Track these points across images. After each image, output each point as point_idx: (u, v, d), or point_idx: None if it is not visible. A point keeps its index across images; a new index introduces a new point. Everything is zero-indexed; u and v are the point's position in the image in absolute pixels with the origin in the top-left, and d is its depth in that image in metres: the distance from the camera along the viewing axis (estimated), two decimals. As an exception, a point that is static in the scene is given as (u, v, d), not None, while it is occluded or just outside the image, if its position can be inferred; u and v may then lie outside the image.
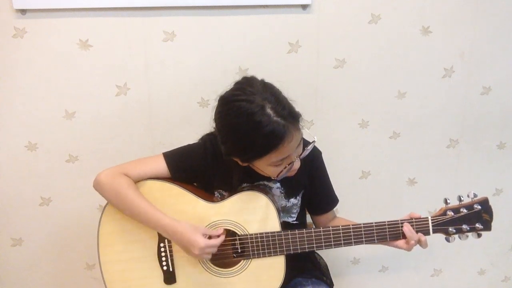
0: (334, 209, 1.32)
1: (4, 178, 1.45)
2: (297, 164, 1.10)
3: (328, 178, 1.29)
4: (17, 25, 1.32)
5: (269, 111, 1.00)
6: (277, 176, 1.09)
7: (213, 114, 1.09)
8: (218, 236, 1.12)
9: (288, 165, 1.07)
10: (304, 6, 1.41)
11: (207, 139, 1.22)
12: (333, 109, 1.53)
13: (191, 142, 1.23)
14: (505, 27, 1.51)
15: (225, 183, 1.20)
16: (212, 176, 1.20)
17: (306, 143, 1.24)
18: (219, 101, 1.07)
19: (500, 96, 1.59)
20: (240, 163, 1.11)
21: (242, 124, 1.00)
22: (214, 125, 1.11)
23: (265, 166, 1.07)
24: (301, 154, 1.10)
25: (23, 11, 1.32)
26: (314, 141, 1.10)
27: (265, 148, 1.01)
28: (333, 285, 1.33)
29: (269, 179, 1.20)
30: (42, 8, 1.31)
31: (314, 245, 1.14)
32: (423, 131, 1.59)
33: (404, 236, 1.13)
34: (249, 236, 1.14)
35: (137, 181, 1.15)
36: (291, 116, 1.03)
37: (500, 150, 1.66)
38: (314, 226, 1.32)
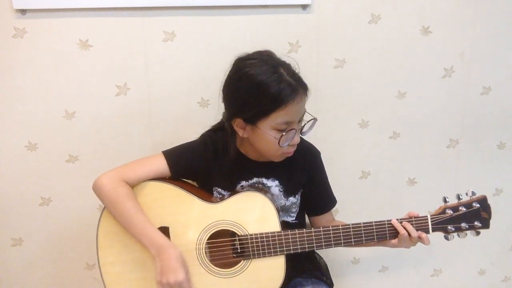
0: (334, 209, 1.32)
1: (4, 178, 1.45)
2: (297, 139, 1.11)
3: (327, 178, 1.29)
4: (17, 25, 1.32)
5: (282, 71, 1.05)
6: (279, 142, 1.07)
7: (223, 80, 1.11)
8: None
9: (289, 131, 1.07)
10: (304, 6, 1.41)
11: (207, 136, 1.22)
12: (333, 109, 1.53)
13: (190, 141, 1.24)
14: (505, 27, 1.51)
15: (224, 181, 1.21)
16: (212, 174, 1.21)
17: (305, 145, 1.25)
18: (234, 61, 1.11)
19: (500, 96, 1.59)
20: (241, 131, 1.11)
21: (253, 78, 1.04)
22: (216, 113, 1.15)
23: (268, 128, 1.07)
24: (301, 129, 1.12)
25: (23, 11, 1.32)
26: (315, 119, 1.12)
27: (274, 103, 1.03)
28: (333, 285, 1.33)
29: (267, 176, 1.20)
30: (42, 8, 1.31)
31: (314, 245, 1.15)
32: (423, 131, 1.59)
33: None
34: (249, 236, 1.14)
35: (138, 182, 1.16)
36: (301, 82, 1.07)
37: (500, 150, 1.66)
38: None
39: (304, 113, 1.11)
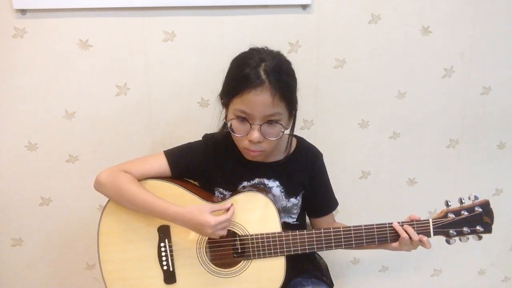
0: (334, 211, 1.32)
1: (4, 178, 1.45)
2: (254, 134, 1.06)
3: (329, 180, 1.29)
4: (17, 25, 1.32)
5: (262, 63, 1.05)
6: (226, 121, 1.11)
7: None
8: (227, 210, 1.12)
9: (243, 121, 1.07)
10: (304, 6, 1.41)
11: (209, 137, 1.23)
12: (333, 109, 1.53)
13: (192, 141, 1.24)
14: (505, 27, 1.51)
15: (226, 182, 1.21)
16: (213, 174, 1.21)
17: (307, 146, 1.24)
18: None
19: (500, 96, 1.59)
20: (225, 112, 1.15)
21: (236, 61, 1.11)
22: (216, 126, 1.15)
23: (231, 113, 1.09)
24: (265, 126, 1.07)
25: (23, 11, 1.31)
26: (283, 131, 1.11)
27: (235, 87, 1.06)
28: (333, 285, 1.33)
29: (268, 176, 1.20)
30: (42, 8, 1.31)
31: (315, 246, 1.15)
32: (423, 131, 1.59)
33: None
34: (249, 237, 1.14)
35: (138, 179, 1.16)
36: (276, 82, 1.04)
37: (500, 150, 1.66)
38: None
39: (275, 115, 1.06)
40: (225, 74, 1.13)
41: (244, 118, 1.07)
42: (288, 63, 1.12)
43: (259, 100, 1.04)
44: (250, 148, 1.11)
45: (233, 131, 1.10)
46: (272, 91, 1.04)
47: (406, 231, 1.12)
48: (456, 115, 1.59)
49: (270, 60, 1.07)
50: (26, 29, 1.33)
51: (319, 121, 1.53)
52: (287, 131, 1.16)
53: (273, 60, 1.07)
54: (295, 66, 1.45)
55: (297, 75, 1.50)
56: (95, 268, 1.58)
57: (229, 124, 1.10)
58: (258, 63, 1.05)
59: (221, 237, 1.15)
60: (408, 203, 1.66)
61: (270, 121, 1.07)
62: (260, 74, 1.04)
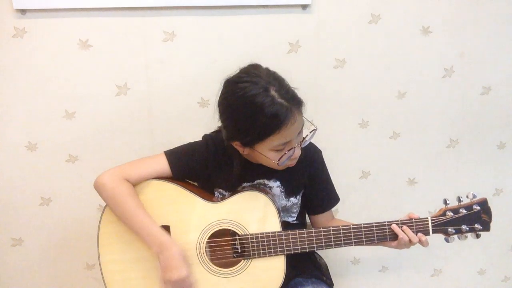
0: (334, 208, 1.32)
1: (4, 178, 1.45)
2: (297, 152, 1.09)
3: (329, 176, 1.29)
4: (17, 25, 1.32)
5: (273, 92, 1.01)
6: (278, 163, 1.08)
7: (217, 98, 1.10)
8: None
9: (289, 150, 1.07)
10: (304, 6, 1.41)
11: (209, 137, 1.23)
12: (333, 109, 1.53)
13: (192, 141, 1.24)
14: (505, 27, 1.51)
15: (226, 182, 1.21)
16: (213, 175, 1.21)
17: (307, 145, 1.24)
18: (224, 83, 1.09)
19: (500, 96, 1.59)
20: (241, 150, 1.11)
21: (246, 104, 1.01)
22: (217, 117, 1.12)
23: (266, 150, 1.07)
24: (302, 142, 1.10)
25: (23, 11, 1.32)
26: (315, 130, 1.10)
27: (267, 129, 1.02)
28: (333, 285, 1.33)
29: (269, 177, 1.20)
30: (42, 8, 1.31)
31: (315, 245, 1.15)
32: (423, 131, 1.59)
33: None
34: (249, 236, 1.14)
35: (139, 181, 1.16)
36: (294, 100, 1.04)
37: (500, 150, 1.66)
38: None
39: (303, 125, 1.09)
40: (228, 119, 1.08)
41: (284, 148, 1.07)
42: (270, 70, 1.09)
43: (296, 125, 1.04)
44: (292, 163, 1.13)
45: (280, 165, 1.08)
46: (298, 111, 1.05)
47: (405, 233, 1.12)
48: (456, 115, 1.59)
49: (271, 81, 1.04)
50: (26, 29, 1.33)
51: (319, 121, 1.53)
52: None
53: (272, 78, 1.05)
54: (295, 66, 1.46)
55: (297, 75, 1.51)
56: (95, 268, 1.58)
57: (267, 158, 1.08)
58: (270, 94, 1.01)
59: (221, 236, 1.15)
60: (408, 203, 1.66)
61: (299, 133, 1.09)
62: (284, 104, 1.01)
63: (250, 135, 1.05)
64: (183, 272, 1.07)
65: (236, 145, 1.11)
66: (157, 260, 1.15)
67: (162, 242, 1.09)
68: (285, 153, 1.07)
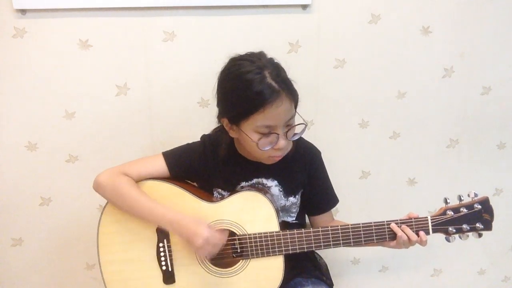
0: (334, 209, 1.32)
1: (4, 178, 1.45)
2: (282, 143, 1.07)
3: (328, 177, 1.29)
4: (17, 25, 1.32)
5: (265, 73, 1.03)
6: (258, 143, 1.05)
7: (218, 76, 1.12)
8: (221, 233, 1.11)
9: (271, 134, 1.05)
10: (304, 6, 1.41)
11: (207, 138, 1.23)
12: (333, 109, 1.53)
13: (190, 142, 1.24)
14: (505, 27, 1.51)
15: (224, 182, 1.21)
16: (211, 175, 1.21)
17: (305, 145, 1.25)
18: (228, 61, 1.11)
19: (500, 96, 1.58)
20: (229, 130, 1.11)
21: (237, 78, 1.04)
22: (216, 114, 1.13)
23: (250, 131, 1.06)
24: (288, 131, 1.08)
25: (23, 11, 1.32)
26: (304, 125, 1.10)
27: (252, 105, 1.02)
28: (333, 285, 1.33)
29: (266, 176, 1.20)
30: (42, 8, 1.31)
31: (313, 245, 1.14)
32: (423, 131, 1.59)
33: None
34: (248, 236, 1.14)
35: (136, 181, 1.16)
36: (287, 87, 1.05)
37: (500, 150, 1.66)
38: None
39: (293, 117, 1.08)
40: (221, 94, 1.09)
41: (268, 132, 1.06)
42: (275, 60, 1.11)
43: (281, 110, 1.03)
44: (277, 155, 1.11)
45: (260, 148, 1.07)
46: (289, 97, 1.05)
47: (404, 232, 1.12)
48: (456, 115, 1.59)
49: (268, 65, 1.05)
50: (26, 29, 1.33)
51: (319, 121, 1.53)
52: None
53: (270, 64, 1.06)
54: (295, 66, 1.46)
55: (297, 75, 1.51)
56: (95, 268, 1.58)
57: (249, 139, 1.07)
58: (262, 73, 1.02)
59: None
60: (408, 203, 1.66)
61: (288, 125, 1.08)
62: (273, 85, 1.02)
63: (235, 110, 1.06)
64: (204, 232, 1.06)
65: (225, 124, 1.11)
66: (157, 260, 1.15)
67: (172, 218, 1.09)
68: (265, 136, 1.05)
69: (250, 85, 1.02)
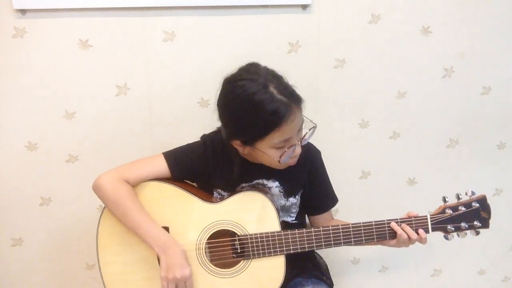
0: (334, 208, 1.32)
1: (4, 178, 1.45)
2: (298, 150, 1.09)
3: (328, 177, 1.29)
4: (17, 25, 1.32)
5: (272, 89, 1.01)
6: (279, 160, 1.07)
7: (217, 97, 1.10)
8: None
9: (290, 148, 1.06)
10: (304, 6, 1.41)
11: (207, 138, 1.23)
12: (333, 109, 1.53)
13: (191, 142, 1.23)
14: (505, 27, 1.51)
15: (225, 183, 1.21)
16: (212, 175, 1.21)
17: (305, 145, 1.24)
18: (223, 83, 1.08)
19: (500, 96, 1.59)
20: (241, 149, 1.11)
21: (246, 102, 1.01)
22: (216, 117, 1.12)
23: (267, 148, 1.06)
24: (302, 138, 1.10)
25: (23, 11, 1.32)
26: (314, 126, 1.10)
27: (268, 126, 1.02)
28: (333, 285, 1.33)
29: (267, 177, 1.20)
30: (42, 8, 1.31)
31: (314, 244, 1.15)
32: (423, 131, 1.59)
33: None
34: (248, 236, 1.14)
35: (138, 183, 1.16)
36: (293, 97, 1.04)
37: (500, 150, 1.66)
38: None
39: (303, 122, 1.09)
40: (228, 118, 1.07)
41: (285, 145, 1.06)
42: (268, 68, 1.09)
43: (295, 123, 1.04)
44: (293, 162, 1.13)
45: (281, 162, 1.08)
46: (298, 107, 1.05)
47: (404, 231, 1.12)
48: (456, 115, 1.59)
49: (269, 78, 1.04)
50: (26, 29, 1.33)
51: (319, 121, 1.52)
52: None
53: (271, 76, 1.05)
54: (295, 66, 1.46)
55: (297, 75, 1.51)
56: (95, 268, 1.58)
57: (268, 156, 1.07)
58: (269, 91, 1.01)
59: (221, 237, 1.15)
60: (408, 203, 1.66)
61: (299, 130, 1.09)
62: (283, 100, 1.01)
63: (250, 133, 1.05)
64: (187, 271, 1.07)
65: (236, 144, 1.11)
66: (157, 261, 1.15)
67: (164, 242, 1.09)
68: (285, 151, 1.07)
69: (261, 106, 1.00)
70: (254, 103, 1.01)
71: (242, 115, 1.04)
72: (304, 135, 1.11)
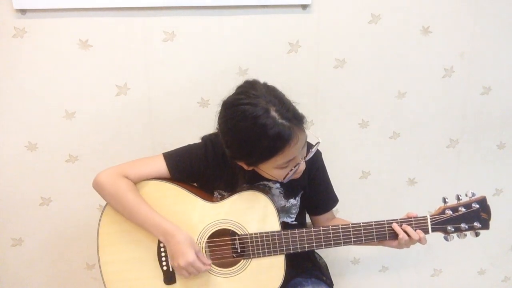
0: (334, 209, 1.32)
1: (4, 178, 1.45)
2: (302, 166, 1.10)
3: (328, 178, 1.29)
4: (17, 25, 1.32)
5: (273, 113, 1.00)
6: (284, 179, 1.09)
7: (217, 119, 1.09)
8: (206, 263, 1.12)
9: (294, 167, 1.07)
10: (304, 6, 1.41)
11: (208, 139, 1.22)
12: (333, 109, 1.53)
13: (191, 142, 1.23)
14: (505, 27, 1.51)
15: (226, 184, 1.21)
16: (212, 177, 1.20)
17: (309, 145, 1.24)
18: (222, 105, 1.07)
19: (500, 96, 1.59)
20: (245, 167, 1.11)
21: (247, 127, 1.00)
22: (216, 126, 1.11)
23: (271, 169, 1.07)
24: (306, 156, 1.10)
25: (23, 11, 1.32)
26: (318, 143, 1.11)
27: (271, 151, 1.02)
28: (333, 285, 1.33)
29: (268, 179, 1.20)
30: (42, 8, 1.31)
31: (314, 244, 1.15)
32: (423, 131, 1.59)
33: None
34: (249, 236, 1.14)
35: (137, 181, 1.16)
36: (296, 118, 1.03)
37: (500, 150, 1.66)
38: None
39: (306, 138, 1.09)
40: (231, 142, 1.06)
41: (288, 165, 1.07)
42: (269, 86, 1.08)
43: (298, 145, 1.04)
44: (297, 176, 1.13)
45: (285, 181, 1.10)
46: (300, 128, 1.04)
47: (405, 231, 1.12)
48: (456, 115, 1.59)
49: (269, 99, 1.02)
50: (26, 29, 1.33)
51: (319, 121, 1.53)
52: None
53: (271, 96, 1.03)
54: (295, 66, 1.46)
55: (297, 75, 1.51)
56: (95, 268, 1.58)
57: (272, 175, 1.09)
58: (271, 115, 0.99)
59: (221, 236, 1.15)
60: (408, 203, 1.66)
61: (302, 147, 1.08)
62: (286, 125, 1.00)
63: (254, 157, 1.05)
64: (190, 256, 1.07)
65: (240, 163, 1.11)
66: (158, 260, 1.15)
67: (167, 230, 1.09)
68: (291, 170, 1.07)
69: (264, 132, 0.99)
70: (257, 129, 0.99)
71: (244, 141, 1.02)
72: (308, 152, 1.11)
